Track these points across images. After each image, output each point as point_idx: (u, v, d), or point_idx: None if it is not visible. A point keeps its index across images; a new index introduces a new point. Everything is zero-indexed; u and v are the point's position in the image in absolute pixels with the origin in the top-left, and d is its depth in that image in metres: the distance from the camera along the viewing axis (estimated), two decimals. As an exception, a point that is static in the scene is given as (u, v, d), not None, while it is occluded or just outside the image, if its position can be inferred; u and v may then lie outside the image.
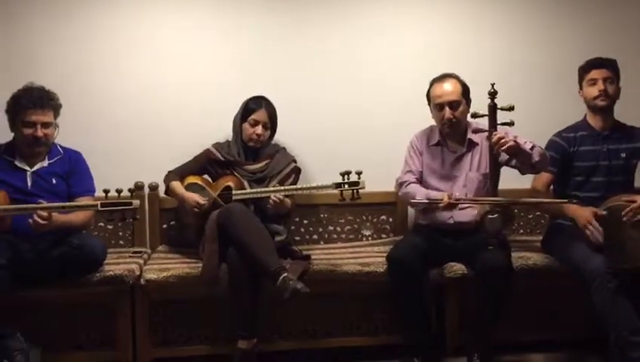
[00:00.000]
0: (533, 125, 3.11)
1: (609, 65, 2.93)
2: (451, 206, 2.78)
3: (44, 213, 2.59)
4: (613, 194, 2.81)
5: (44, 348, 2.72)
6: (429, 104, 3.00)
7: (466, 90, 2.94)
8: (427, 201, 2.84)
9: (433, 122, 3.04)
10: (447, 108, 2.89)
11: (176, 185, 3.09)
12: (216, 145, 3.18)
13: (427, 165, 3.02)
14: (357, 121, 3.47)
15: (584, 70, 2.97)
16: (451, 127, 2.93)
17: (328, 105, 3.45)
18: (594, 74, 2.92)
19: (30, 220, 2.59)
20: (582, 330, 2.95)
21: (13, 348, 2.59)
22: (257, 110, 3.10)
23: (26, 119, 2.75)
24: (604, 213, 2.72)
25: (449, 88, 2.90)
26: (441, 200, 2.76)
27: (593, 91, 2.92)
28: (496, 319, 2.76)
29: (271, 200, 2.89)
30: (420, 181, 3.02)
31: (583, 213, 2.78)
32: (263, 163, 3.13)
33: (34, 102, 2.74)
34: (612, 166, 2.93)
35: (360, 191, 2.90)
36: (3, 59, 3.25)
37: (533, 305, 2.98)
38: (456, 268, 2.87)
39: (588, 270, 2.65)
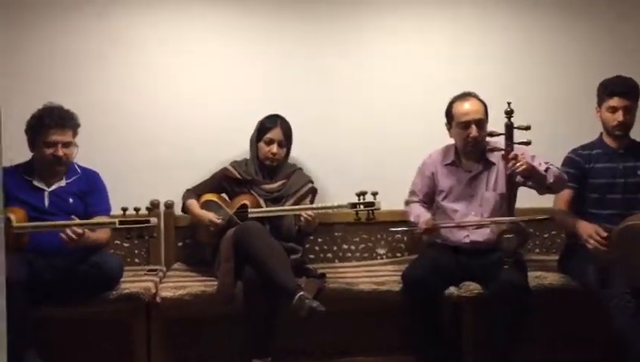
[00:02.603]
0: (550, 144, 3.11)
1: (632, 93, 2.89)
2: (429, 231, 2.81)
3: (79, 230, 2.61)
4: (631, 212, 2.79)
5: (60, 366, 2.74)
6: (448, 122, 2.99)
7: (486, 109, 2.94)
8: (405, 229, 2.89)
9: (449, 141, 3.04)
10: (473, 127, 2.88)
11: (193, 203, 3.12)
12: (234, 164, 3.20)
13: (442, 185, 3.02)
14: (372, 141, 3.47)
15: (605, 93, 2.92)
16: (475, 146, 2.92)
17: (344, 125, 3.46)
18: (615, 102, 2.88)
19: (63, 235, 2.61)
20: (599, 350, 2.92)
21: (28, 365, 2.59)
22: (272, 129, 3.11)
23: (47, 139, 2.78)
24: (605, 234, 2.71)
25: (475, 107, 2.91)
26: (417, 225, 2.82)
27: (612, 119, 2.90)
28: (512, 339, 2.73)
29: (303, 218, 2.89)
30: (425, 201, 3.05)
31: (585, 228, 2.79)
32: (280, 182, 3.14)
33: (55, 122, 2.77)
34: (628, 183, 2.92)
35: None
36: (18, 78, 3.26)
37: (550, 325, 2.96)
38: (472, 287, 2.86)
39: (606, 289, 2.63)
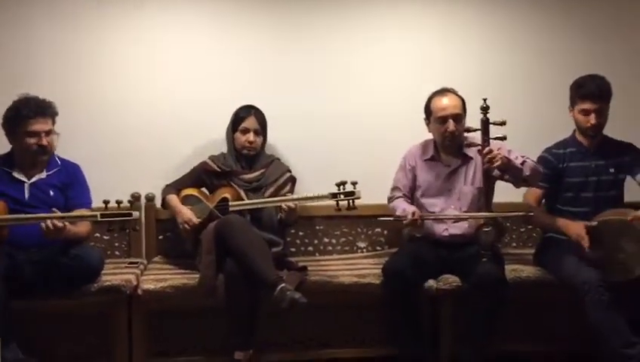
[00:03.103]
0: (526, 139, 3.15)
1: (604, 95, 2.90)
2: (414, 222, 2.83)
3: (59, 223, 2.60)
4: (603, 209, 2.85)
5: (41, 359, 2.71)
6: (427, 117, 3.03)
7: (464, 105, 2.99)
8: (392, 218, 2.92)
9: (428, 135, 3.08)
10: (451, 121, 2.92)
11: (172, 198, 3.13)
12: (212, 157, 3.21)
13: (421, 180, 3.06)
14: (352, 133, 3.50)
15: (578, 96, 2.93)
16: (452, 141, 2.97)
17: (323, 117, 3.48)
18: (587, 105, 2.90)
19: (43, 225, 2.59)
20: (574, 342, 2.98)
21: (9, 358, 2.58)
22: (247, 118, 3.14)
23: (29, 129, 2.75)
24: (594, 223, 2.76)
25: (453, 102, 2.95)
26: (405, 217, 2.83)
27: (584, 121, 2.93)
28: (490, 331, 2.79)
29: (284, 207, 2.90)
30: (409, 196, 3.08)
31: (574, 228, 2.83)
32: (259, 172, 3.16)
33: (35, 112, 2.75)
34: (601, 181, 2.97)
35: (355, 201, 2.92)
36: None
37: (526, 317, 3.01)
38: (451, 280, 2.90)
39: (580, 283, 2.69)
